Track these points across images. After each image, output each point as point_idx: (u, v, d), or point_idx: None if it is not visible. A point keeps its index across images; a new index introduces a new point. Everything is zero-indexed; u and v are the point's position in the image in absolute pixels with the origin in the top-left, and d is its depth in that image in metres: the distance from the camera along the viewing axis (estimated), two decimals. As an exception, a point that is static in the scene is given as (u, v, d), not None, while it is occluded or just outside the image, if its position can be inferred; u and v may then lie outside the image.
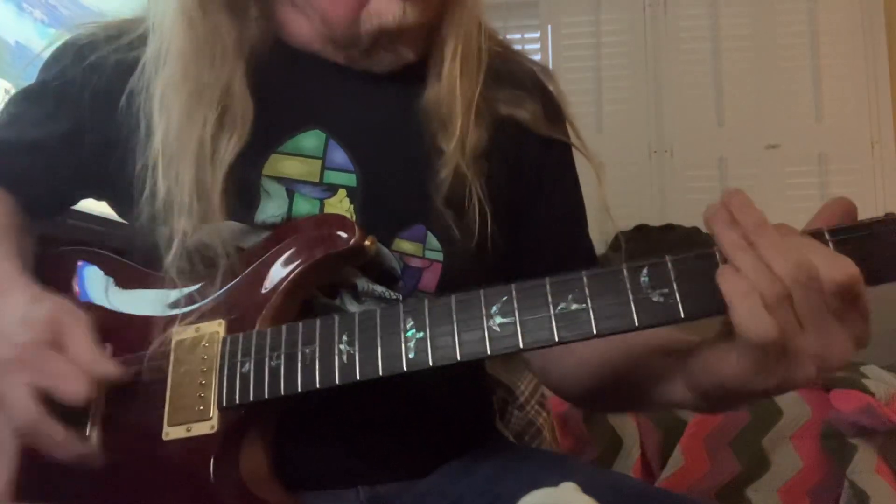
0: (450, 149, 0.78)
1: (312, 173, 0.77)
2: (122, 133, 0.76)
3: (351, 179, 0.78)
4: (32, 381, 0.63)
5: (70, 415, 0.65)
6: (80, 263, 0.79)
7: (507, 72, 0.86)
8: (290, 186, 0.77)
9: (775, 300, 0.49)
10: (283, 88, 0.79)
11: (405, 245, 0.78)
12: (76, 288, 0.77)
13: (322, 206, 0.77)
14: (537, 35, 3.21)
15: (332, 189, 0.77)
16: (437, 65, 0.81)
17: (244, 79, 0.76)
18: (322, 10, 0.77)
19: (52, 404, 0.64)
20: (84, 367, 0.64)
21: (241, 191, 0.74)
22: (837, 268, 0.49)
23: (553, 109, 0.89)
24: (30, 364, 0.64)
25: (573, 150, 0.90)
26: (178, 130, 0.73)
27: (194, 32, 0.74)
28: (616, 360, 0.73)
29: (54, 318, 0.66)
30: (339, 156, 0.78)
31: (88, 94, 0.79)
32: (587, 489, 0.56)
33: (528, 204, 0.86)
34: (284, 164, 0.77)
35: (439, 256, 0.79)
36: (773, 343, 0.50)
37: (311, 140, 0.78)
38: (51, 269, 0.78)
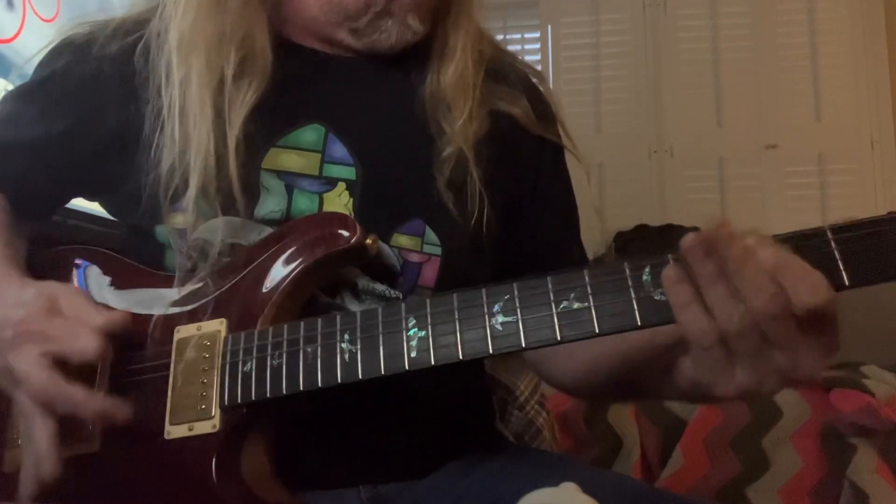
0: (454, 129, 0.78)
1: (311, 167, 0.77)
2: (142, 110, 0.76)
3: (350, 173, 0.78)
4: (41, 349, 0.64)
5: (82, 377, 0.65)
6: (79, 262, 0.79)
7: (502, 71, 0.87)
8: (289, 181, 0.77)
9: (740, 331, 0.51)
10: (284, 82, 0.79)
11: (403, 240, 0.78)
12: (75, 287, 0.77)
13: (321, 200, 0.77)
14: (537, 35, 3.20)
15: (331, 182, 0.77)
16: (444, 46, 0.82)
17: (266, 29, 0.76)
18: None
19: (65, 370, 0.64)
20: (86, 321, 0.65)
21: (241, 185, 0.74)
22: (810, 292, 0.49)
23: (544, 111, 0.90)
24: (34, 334, 0.64)
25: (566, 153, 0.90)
26: (198, 74, 0.73)
27: None
28: (608, 358, 0.73)
29: (46, 291, 0.67)
30: (338, 149, 0.78)
31: (104, 81, 0.79)
32: (587, 489, 0.56)
33: (522, 201, 0.87)
34: (283, 158, 0.77)
35: (437, 251, 0.79)
36: (713, 346, 0.52)
37: (310, 134, 0.78)
38: (49, 268, 0.78)
